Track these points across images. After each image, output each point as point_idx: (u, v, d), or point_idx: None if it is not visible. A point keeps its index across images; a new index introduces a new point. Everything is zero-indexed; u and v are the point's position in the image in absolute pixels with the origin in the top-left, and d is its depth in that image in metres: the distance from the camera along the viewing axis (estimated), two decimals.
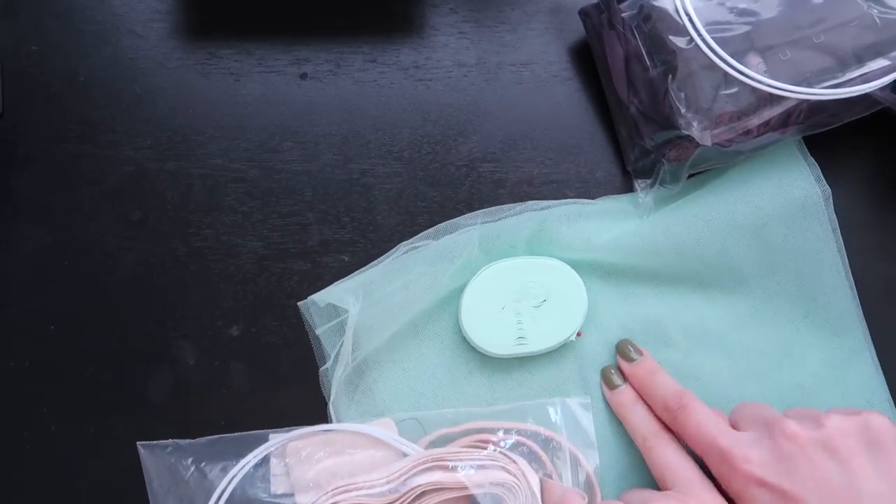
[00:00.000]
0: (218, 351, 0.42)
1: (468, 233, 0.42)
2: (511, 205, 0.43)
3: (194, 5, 0.46)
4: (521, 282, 0.41)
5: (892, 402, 0.42)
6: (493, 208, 0.43)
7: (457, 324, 0.41)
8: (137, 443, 0.40)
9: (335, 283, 0.42)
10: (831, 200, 0.43)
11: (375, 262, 0.42)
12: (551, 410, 0.40)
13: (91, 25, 0.45)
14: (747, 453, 0.34)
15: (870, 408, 0.41)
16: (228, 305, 0.42)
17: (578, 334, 0.41)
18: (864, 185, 0.45)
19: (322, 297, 0.41)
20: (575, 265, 0.41)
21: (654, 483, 0.39)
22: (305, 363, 0.42)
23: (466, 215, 0.43)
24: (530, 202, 0.43)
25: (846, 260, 0.43)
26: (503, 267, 0.41)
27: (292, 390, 0.41)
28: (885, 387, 0.42)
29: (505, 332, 0.40)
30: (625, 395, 0.40)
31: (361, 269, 0.42)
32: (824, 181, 0.43)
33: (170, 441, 0.40)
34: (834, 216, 0.43)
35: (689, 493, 0.35)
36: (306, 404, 0.41)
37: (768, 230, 0.42)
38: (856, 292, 0.43)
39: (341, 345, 0.40)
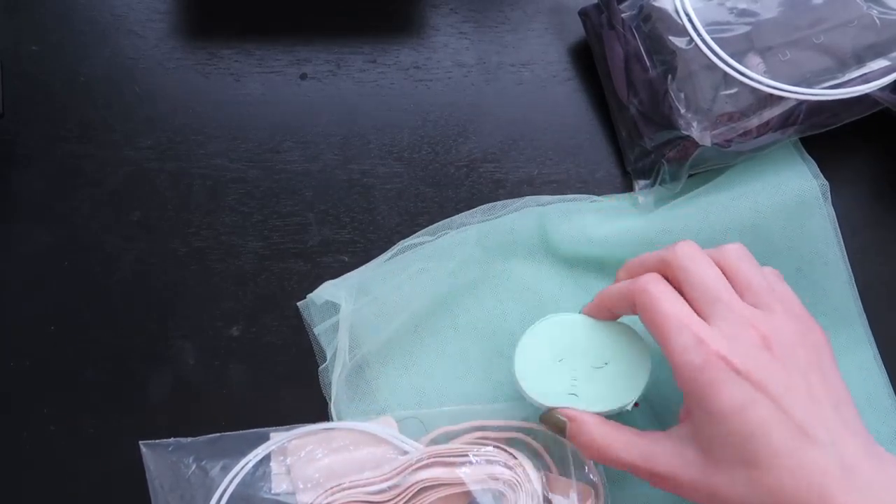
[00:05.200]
0: (218, 351, 0.42)
1: (467, 230, 0.42)
2: (509, 201, 0.43)
3: (194, 5, 0.46)
4: (586, 338, 0.38)
5: (893, 396, 0.42)
6: (490, 204, 0.43)
7: (457, 321, 0.41)
8: (139, 442, 0.40)
9: (332, 280, 0.42)
10: (829, 194, 0.43)
11: (374, 260, 0.42)
12: None
13: (91, 25, 0.45)
14: (723, 348, 0.32)
15: (870, 402, 0.42)
16: (228, 305, 0.42)
17: (636, 405, 0.38)
18: (864, 186, 0.45)
19: (318, 294, 0.42)
20: (572, 260, 0.41)
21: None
22: (305, 363, 0.42)
23: (465, 213, 0.43)
24: (529, 198, 0.43)
25: (845, 254, 0.43)
26: (573, 319, 0.38)
27: (292, 390, 0.41)
28: (887, 380, 0.42)
29: (557, 385, 0.38)
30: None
31: (363, 267, 0.42)
32: (822, 176, 0.43)
33: (171, 440, 0.40)
34: (832, 210, 0.43)
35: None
36: (306, 404, 0.41)
37: (767, 226, 0.42)
38: (855, 286, 0.43)
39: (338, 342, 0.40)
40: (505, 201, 0.43)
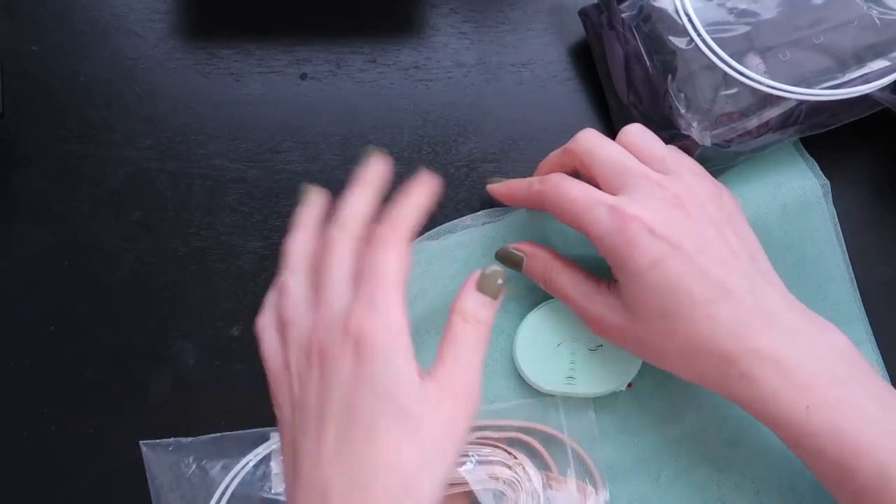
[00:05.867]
0: (218, 351, 0.42)
1: (469, 232, 0.42)
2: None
3: (194, 5, 0.46)
4: (580, 321, 0.39)
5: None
6: (495, 209, 0.43)
7: None
8: (140, 441, 0.40)
9: None
10: (830, 194, 0.43)
11: None
12: (554, 408, 0.40)
13: (91, 25, 0.45)
14: (636, 210, 0.33)
15: None
16: (228, 305, 0.42)
17: (629, 385, 0.40)
18: (864, 186, 0.45)
19: None
20: (575, 261, 0.41)
21: (663, 488, 0.40)
22: None
23: (469, 216, 0.43)
24: None
25: (846, 253, 0.43)
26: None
27: None
28: (888, 378, 0.42)
29: (556, 370, 0.40)
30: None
31: None
32: (822, 175, 0.43)
33: (171, 439, 0.40)
34: (833, 209, 0.43)
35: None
36: None
37: (768, 226, 0.42)
38: (856, 286, 0.43)
39: None
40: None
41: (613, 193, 0.35)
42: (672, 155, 0.36)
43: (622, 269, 0.34)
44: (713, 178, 0.37)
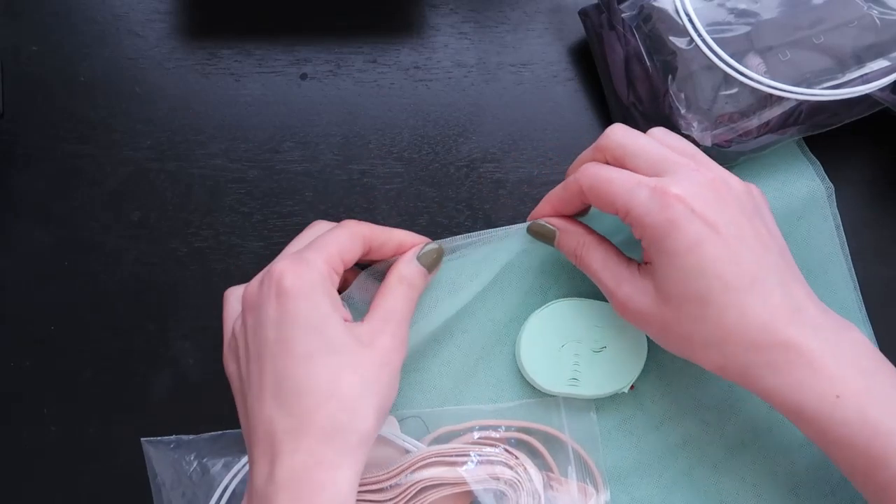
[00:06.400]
0: (218, 351, 0.42)
1: (481, 248, 0.40)
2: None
3: (194, 5, 0.46)
4: (585, 323, 0.40)
5: None
6: (509, 227, 0.40)
7: (462, 322, 0.41)
8: (141, 438, 0.40)
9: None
10: (833, 196, 0.43)
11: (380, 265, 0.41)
12: (555, 408, 0.40)
13: (91, 25, 0.45)
14: (678, 189, 0.33)
15: None
16: None
17: (631, 387, 0.40)
18: (865, 186, 0.45)
19: None
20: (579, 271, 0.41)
21: (664, 490, 0.40)
22: None
23: (484, 231, 0.40)
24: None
25: (849, 256, 0.43)
26: (571, 304, 0.40)
27: None
28: None
29: (560, 371, 0.40)
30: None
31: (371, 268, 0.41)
32: (827, 178, 0.43)
33: (173, 437, 0.40)
34: (836, 212, 0.43)
35: None
36: None
37: None
38: (858, 287, 0.43)
39: None
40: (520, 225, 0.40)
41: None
42: (701, 153, 0.36)
43: (659, 249, 0.34)
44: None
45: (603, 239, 0.38)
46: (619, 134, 0.36)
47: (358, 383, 0.32)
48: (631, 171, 0.35)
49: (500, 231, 0.40)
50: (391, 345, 0.34)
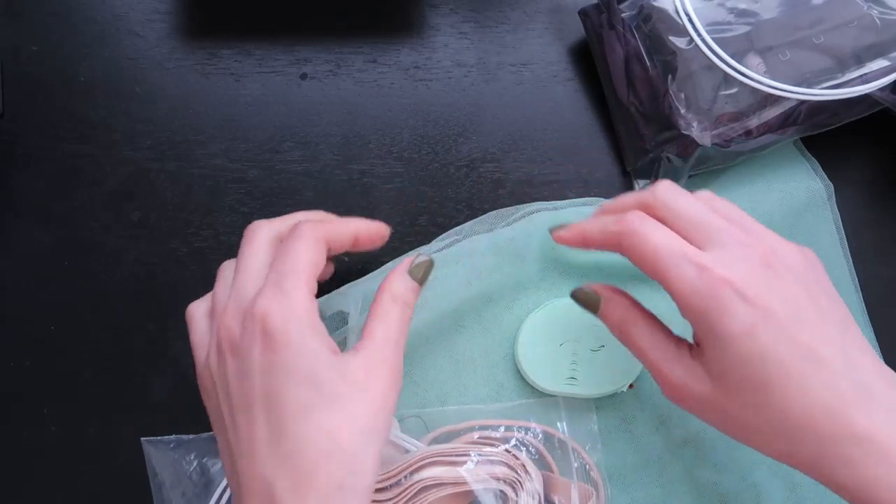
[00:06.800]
0: None
1: (478, 239, 0.41)
2: (519, 206, 0.42)
3: (194, 5, 0.46)
4: (583, 322, 0.40)
5: None
6: (499, 211, 0.42)
7: (463, 322, 0.41)
8: (141, 438, 0.40)
9: (339, 289, 0.41)
10: (833, 196, 0.43)
11: (382, 267, 0.41)
12: (555, 408, 0.40)
13: (91, 25, 0.45)
14: (726, 272, 0.31)
15: None
16: None
17: (630, 386, 0.40)
18: (865, 186, 0.45)
19: (326, 303, 0.40)
20: (581, 266, 0.41)
21: (664, 490, 0.40)
22: None
23: (475, 220, 0.42)
24: (538, 203, 0.42)
25: (849, 256, 0.43)
26: (569, 304, 0.39)
27: None
28: None
29: (558, 370, 0.40)
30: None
31: (369, 275, 0.41)
32: (826, 177, 0.43)
33: (173, 436, 0.40)
34: (837, 211, 0.43)
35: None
36: None
37: (770, 226, 0.42)
38: (858, 287, 0.43)
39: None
40: (515, 207, 0.42)
41: (697, 247, 0.33)
42: (750, 218, 0.34)
43: (710, 334, 0.31)
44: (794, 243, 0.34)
45: (650, 315, 0.35)
46: (667, 194, 0.34)
47: (358, 434, 0.30)
48: (675, 232, 0.33)
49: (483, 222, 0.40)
50: (387, 383, 0.31)
